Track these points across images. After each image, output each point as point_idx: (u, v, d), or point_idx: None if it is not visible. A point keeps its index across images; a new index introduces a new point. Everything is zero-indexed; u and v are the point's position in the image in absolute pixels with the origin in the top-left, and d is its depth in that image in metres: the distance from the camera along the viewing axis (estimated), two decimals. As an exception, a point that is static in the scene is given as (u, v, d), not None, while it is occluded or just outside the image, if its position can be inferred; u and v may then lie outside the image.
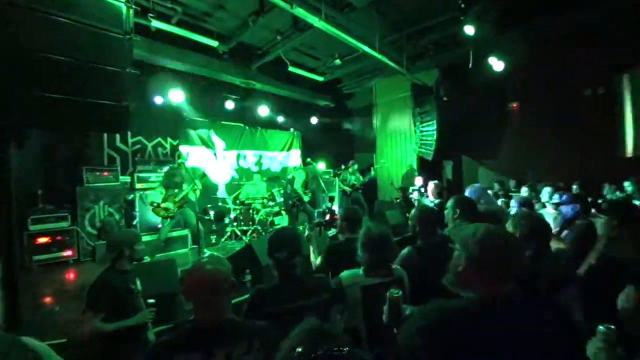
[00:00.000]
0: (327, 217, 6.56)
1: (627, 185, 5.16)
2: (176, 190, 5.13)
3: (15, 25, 2.19)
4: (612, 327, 1.08)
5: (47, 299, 3.76)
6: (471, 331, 0.98)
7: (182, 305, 2.87)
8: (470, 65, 6.18)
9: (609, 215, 2.38)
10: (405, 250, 2.27)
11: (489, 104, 7.88)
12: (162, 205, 5.02)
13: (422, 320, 1.07)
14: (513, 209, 3.39)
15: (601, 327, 1.09)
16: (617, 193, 5.29)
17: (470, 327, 0.99)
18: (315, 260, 2.69)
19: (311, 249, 2.75)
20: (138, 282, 2.31)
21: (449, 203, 2.48)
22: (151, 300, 2.25)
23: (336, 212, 7.55)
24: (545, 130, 7.23)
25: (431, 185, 4.41)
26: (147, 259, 4.57)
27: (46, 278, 4.50)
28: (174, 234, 5.94)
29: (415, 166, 8.52)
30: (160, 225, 5.31)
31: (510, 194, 6.22)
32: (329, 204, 8.25)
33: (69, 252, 5.22)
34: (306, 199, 6.53)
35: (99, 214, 5.65)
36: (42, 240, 5.00)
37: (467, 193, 3.47)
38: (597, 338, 1.08)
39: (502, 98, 7.86)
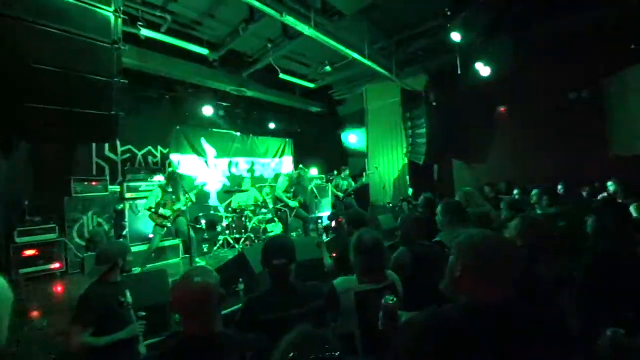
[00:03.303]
0: (334, 223, 6.53)
1: (610, 185, 5.30)
2: (173, 197, 5.09)
3: (2, 36, 2.17)
4: (622, 330, 1.08)
5: (34, 313, 3.65)
6: (469, 337, 0.98)
7: (174, 317, 2.83)
8: (458, 71, 6.31)
9: (597, 214, 2.42)
10: (397, 252, 2.31)
11: (477, 108, 8.02)
12: (160, 212, 4.96)
13: (420, 326, 1.07)
14: (503, 211, 3.45)
15: (610, 332, 1.09)
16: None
17: (468, 333, 0.99)
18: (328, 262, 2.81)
19: (324, 253, 2.85)
20: (128, 294, 2.27)
21: (439, 209, 2.52)
22: (142, 313, 2.21)
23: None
24: (532, 133, 7.38)
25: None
26: (137, 269, 4.53)
27: (33, 291, 4.39)
28: (166, 243, 5.86)
29: (406, 171, 8.60)
30: (151, 235, 5.24)
31: (501, 196, 6.31)
32: (331, 210, 8.30)
33: (56, 265, 5.10)
34: (294, 204, 6.44)
35: (87, 224, 5.55)
36: (29, 252, 4.87)
37: (457, 197, 3.52)
38: (606, 341, 1.08)
39: (491, 102, 8.00)
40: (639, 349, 1.03)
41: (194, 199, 5.33)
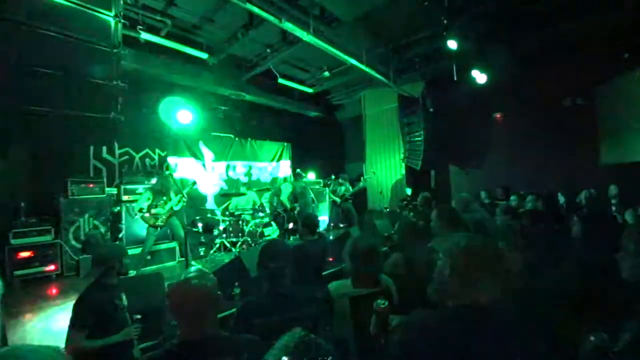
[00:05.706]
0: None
1: (612, 189, 5.43)
2: (164, 198, 5.09)
3: (4, 39, 2.18)
4: (605, 335, 1.10)
5: (29, 316, 3.63)
6: (456, 341, 1.00)
7: (169, 320, 2.82)
8: (455, 78, 6.37)
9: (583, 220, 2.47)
10: (392, 257, 2.33)
11: (474, 115, 8.09)
12: (152, 211, 4.95)
13: (408, 330, 1.08)
14: (499, 217, 3.48)
15: (593, 337, 1.10)
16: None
17: (455, 337, 1.00)
18: None
19: None
20: (124, 297, 2.27)
21: (433, 214, 2.54)
22: (137, 316, 2.20)
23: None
24: (528, 139, 7.45)
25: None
26: (133, 272, 4.52)
27: (28, 294, 4.36)
28: (162, 246, 5.84)
29: (404, 176, 8.64)
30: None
31: (497, 202, 6.35)
32: (329, 214, 8.32)
33: (51, 267, 5.07)
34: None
35: (83, 227, 5.51)
36: (24, 254, 4.84)
37: (454, 202, 3.55)
38: (589, 347, 1.10)
39: (487, 108, 8.08)
40: (620, 354, 1.05)
41: (187, 198, 5.37)
